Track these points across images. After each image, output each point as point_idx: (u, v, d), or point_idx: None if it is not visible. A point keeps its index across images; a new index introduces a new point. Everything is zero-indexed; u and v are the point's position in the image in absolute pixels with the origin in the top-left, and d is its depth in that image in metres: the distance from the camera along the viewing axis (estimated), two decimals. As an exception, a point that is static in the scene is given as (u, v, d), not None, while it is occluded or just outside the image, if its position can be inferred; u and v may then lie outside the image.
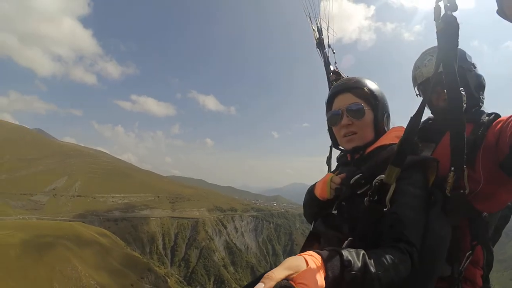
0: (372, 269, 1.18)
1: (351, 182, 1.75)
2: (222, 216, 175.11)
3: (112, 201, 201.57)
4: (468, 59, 2.13)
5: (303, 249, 1.94)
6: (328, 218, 1.85)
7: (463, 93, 1.59)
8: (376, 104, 1.88)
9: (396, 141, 1.66)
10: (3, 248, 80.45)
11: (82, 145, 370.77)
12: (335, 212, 1.81)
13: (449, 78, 1.59)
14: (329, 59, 3.10)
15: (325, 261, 1.09)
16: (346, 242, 1.56)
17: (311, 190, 2.03)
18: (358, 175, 1.73)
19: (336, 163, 2.20)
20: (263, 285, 0.92)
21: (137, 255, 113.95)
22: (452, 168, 1.62)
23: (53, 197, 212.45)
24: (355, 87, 1.91)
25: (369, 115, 1.86)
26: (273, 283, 0.93)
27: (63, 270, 78.65)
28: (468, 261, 1.80)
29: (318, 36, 3.21)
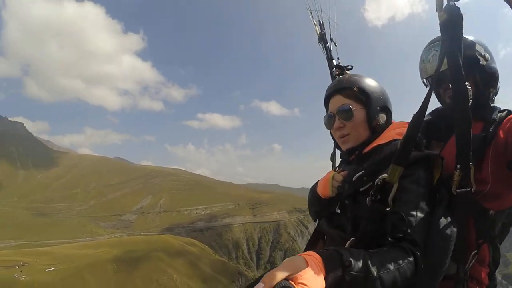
0: (374, 270, 1.16)
1: (353, 179, 1.72)
2: (302, 216, 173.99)
3: (196, 212, 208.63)
4: (479, 50, 1.93)
5: (307, 249, 1.94)
6: (332, 217, 1.83)
7: (469, 87, 1.52)
8: (368, 102, 1.83)
9: (398, 137, 1.66)
10: (101, 264, 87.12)
11: (160, 166, 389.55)
12: (338, 210, 1.79)
13: (453, 72, 1.53)
14: (332, 53, 3.00)
15: (325, 261, 1.08)
16: (348, 242, 1.54)
17: (314, 188, 2.00)
18: (360, 172, 1.70)
19: (340, 160, 2.16)
20: (263, 285, 0.93)
21: (226, 260, 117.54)
22: (458, 166, 1.56)
23: (141, 215, 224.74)
24: (344, 87, 1.87)
25: (359, 114, 1.82)
26: (273, 283, 0.93)
27: (159, 279, 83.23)
28: (474, 259, 1.74)
29: (319, 31, 3.09)
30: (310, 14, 3.15)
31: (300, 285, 0.95)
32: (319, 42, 3.09)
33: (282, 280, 0.95)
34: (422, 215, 1.47)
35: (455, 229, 1.52)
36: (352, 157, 1.89)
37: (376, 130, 1.85)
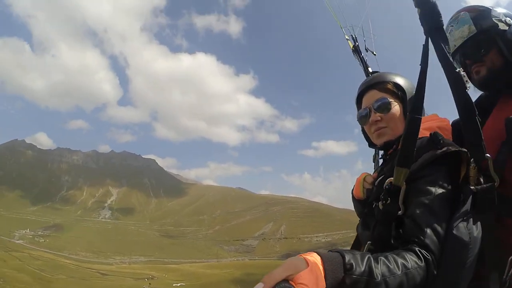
0: (378, 274, 1.11)
1: (375, 183, 1.71)
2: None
3: (316, 240, 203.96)
4: (496, 16, 1.77)
5: (351, 249, 1.90)
6: (366, 218, 1.79)
7: (463, 73, 1.47)
8: (403, 96, 1.78)
9: (425, 134, 1.57)
10: (225, 284, 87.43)
11: (277, 195, 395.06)
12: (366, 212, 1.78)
13: (441, 61, 1.48)
14: (369, 62, 3.02)
15: (325, 263, 1.04)
16: (366, 245, 1.52)
17: (352, 189, 1.97)
18: (381, 177, 1.67)
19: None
20: (263, 285, 0.92)
21: None
22: (472, 160, 1.43)
23: (262, 240, 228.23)
24: (377, 82, 1.84)
25: (396, 107, 1.76)
26: (273, 283, 0.92)
27: None
28: None
29: (353, 44, 3.15)
30: (342, 30, 3.25)
31: (300, 285, 0.93)
32: (353, 53, 3.15)
33: (282, 280, 0.94)
34: (437, 218, 1.36)
35: (477, 234, 1.35)
36: (390, 151, 1.82)
37: None
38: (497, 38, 1.74)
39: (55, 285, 78.50)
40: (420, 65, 1.45)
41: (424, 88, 1.46)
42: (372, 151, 2.18)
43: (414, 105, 1.47)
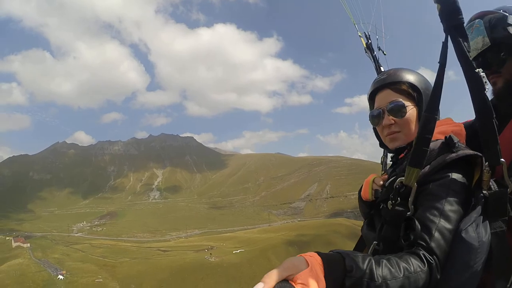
0: (379, 277, 1.10)
1: (386, 184, 1.66)
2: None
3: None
4: (511, 22, 1.72)
5: (354, 249, 1.91)
6: (372, 220, 1.77)
7: (482, 74, 1.40)
8: (419, 98, 1.69)
9: (440, 137, 1.55)
10: (283, 246, 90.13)
11: (317, 156, 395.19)
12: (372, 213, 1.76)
13: (460, 61, 1.42)
14: (380, 61, 3.00)
15: (326, 263, 1.04)
16: (371, 247, 1.51)
17: (359, 190, 1.92)
18: (392, 177, 1.62)
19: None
20: (263, 284, 0.92)
21: None
22: (487, 163, 1.40)
23: (309, 202, 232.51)
24: (393, 81, 1.73)
25: (411, 111, 1.68)
26: (272, 283, 0.92)
27: None
28: None
29: (366, 42, 3.11)
30: (355, 27, 3.20)
31: (300, 285, 0.94)
32: (365, 52, 3.11)
33: (282, 280, 0.94)
34: (445, 222, 1.34)
35: (486, 239, 1.32)
36: (401, 156, 1.77)
37: None
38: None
39: (121, 269, 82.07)
40: (438, 62, 1.40)
41: (441, 86, 1.41)
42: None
43: (430, 104, 1.43)
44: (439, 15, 1.40)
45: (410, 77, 1.71)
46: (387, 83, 1.73)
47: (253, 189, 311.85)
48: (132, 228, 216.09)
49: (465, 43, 1.38)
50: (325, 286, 0.98)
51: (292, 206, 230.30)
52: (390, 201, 1.46)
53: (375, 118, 1.77)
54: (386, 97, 1.72)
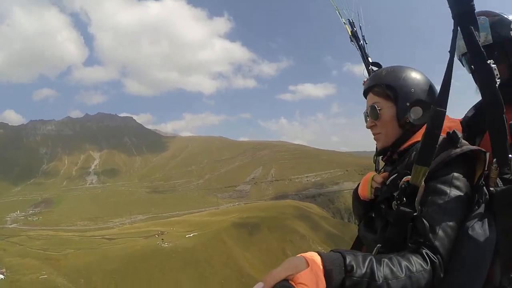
0: (380, 277, 1.08)
1: (387, 183, 1.62)
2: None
3: (307, 180, 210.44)
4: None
5: (352, 249, 1.88)
6: (370, 220, 1.73)
7: (493, 65, 1.32)
8: (396, 97, 1.68)
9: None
10: (236, 228, 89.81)
11: (259, 140, 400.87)
12: (372, 214, 1.71)
13: (472, 52, 1.37)
14: (366, 51, 2.89)
15: (326, 263, 1.02)
16: (375, 248, 1.44)
17: (355, 189, 1.87)
18: (394, 175, 1.59)
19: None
20: (263, 284, 0.92)
21: (346, 222, 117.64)
22: (495, 160, 1.34)
23: (254, 184, 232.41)
24: (373, 85, 1.77)
25: (387, 112, 1.69)
26: (273, 283, 0.93)
27: (293, 240, 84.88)
28: None
29: (350, 29, 2.98)
30: (338, 13, 3.07)
31: (300, 285, 0.93)
32: (351, 41, 2.98)
33: (282, 280, 0.94)
34: (449, 220, 1.31)
35: (492, 236, 1.29)
36: (384, 158, 1.82)
37: (406, 127, 1.70)
38: (509, 51, 1.76)
39: (65, 262, 76.31)
40: (449, 51, 1.35)
41: (450, 78, 1.36)
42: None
43: (439, 96, 1.38)
44: (448, 0, 1.34)
45: (388, 78, 1.71)
46: (369, 87, 1.78)
47: (197, 172, 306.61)
48: (71, 216, 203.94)
49: (476, 32, 1.32)
50: (325, 286, 0.98)
51: (238, 189, 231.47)
52: (394, 201, 1.43)
53: (365, 121, 1.83)
54: (369, 101, 1.78)
